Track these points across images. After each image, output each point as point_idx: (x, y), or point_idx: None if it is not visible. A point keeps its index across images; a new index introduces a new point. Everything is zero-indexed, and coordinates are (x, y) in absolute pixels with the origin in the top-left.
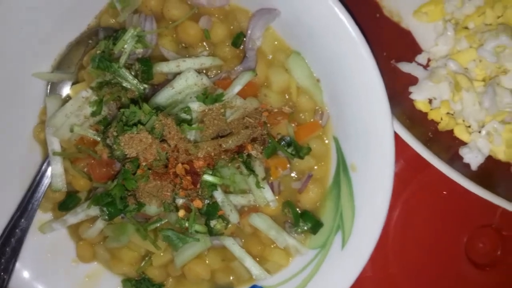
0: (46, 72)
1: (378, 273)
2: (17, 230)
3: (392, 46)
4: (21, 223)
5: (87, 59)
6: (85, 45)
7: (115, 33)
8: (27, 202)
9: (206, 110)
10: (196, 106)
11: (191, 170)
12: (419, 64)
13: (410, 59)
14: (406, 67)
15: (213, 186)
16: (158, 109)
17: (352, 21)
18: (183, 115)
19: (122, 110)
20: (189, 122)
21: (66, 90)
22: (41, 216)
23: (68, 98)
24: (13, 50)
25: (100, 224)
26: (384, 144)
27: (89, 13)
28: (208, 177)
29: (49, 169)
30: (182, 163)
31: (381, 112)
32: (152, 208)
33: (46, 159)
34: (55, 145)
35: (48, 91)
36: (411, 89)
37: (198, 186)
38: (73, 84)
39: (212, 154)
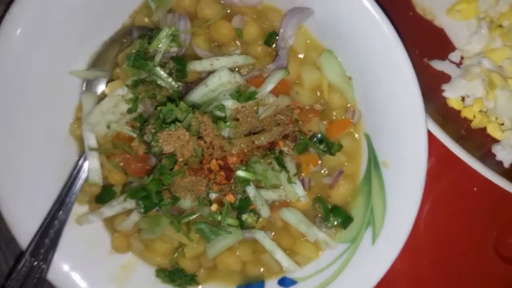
0: (82, 70)
1: (407, 266)
2: (55, 222)
3: (425, 44)
4: (59, 215)
5: (122, 57)
6: (120, 44)
7: (150, 32)
8: (65, 196)
9: (240, 108)
10: (230, 104)
11: (225, 166)
12: (452, 62)
13: (443, 57)
14: (439, 65)
15: (246, 182)
16: (194, 106)
17: (386, 19)
18: (218, 113)
19: (159, 108)
20: (224, 120)
21: (101, 88)
22: (78, 209)
23: (103, 95)
24: (51, 49)
25: (135, 217)
26: (418, 141)
27: (124, 13)
28: (241, 173)
29: (86, 164)
30: (216, 159)
31: (415, 110)
32: (186, 202)
33: (82, 154)
34: (91, 140)
35: (84, 88)
36: (444, 86)
37: (231, 181)
38: (108, 81)
39: (245, 150)
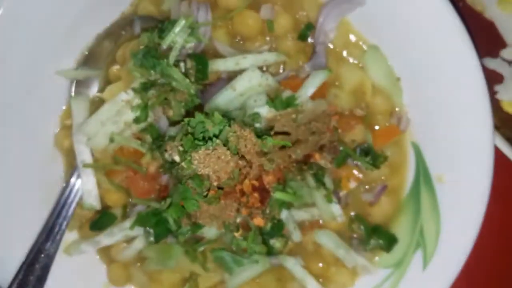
0: (70, 69)
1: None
2: (42, 256)
3: (475, 39)
4: (47, 247)
5: (121, 54)
6: (117, 37)
7: (160, 24)
8: (54, 223)
9: (276, 116)
10: (265, 112)
11: (260, 187)
12: (504, 59)
13: (494, 54)
14: (491, 63)
15: (284, 204)
16: (227, 116)
17: (454, 12)
18: (252, 123)
19: (186, 119)
20: (260, 132)
21: (93, 89)
22: (66, 236)
23: (97, 98)
24: (32, 43)
25: (139, 244)
26: (483, 154)
27: None
28: (280, 195)
29: (78, 183)
30: (250, 179)
31: (482, 119)
32: (211, 231)
33: (73, 171)
34: (86, 155)
35: (73, 90)
36: (497, 88)
37: (266, 204)
38: (102, 81)
39: (281, 166)
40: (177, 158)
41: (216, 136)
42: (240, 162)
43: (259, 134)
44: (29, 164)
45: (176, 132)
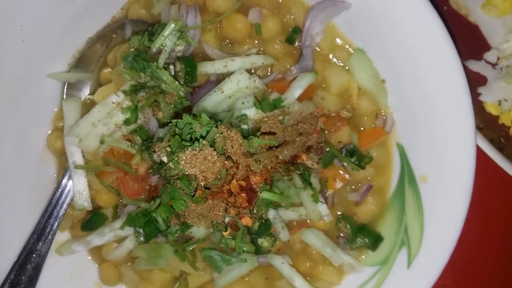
0: (62, 71)
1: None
2: (34, 256)
3: (459, 42)
4: (39, 247)
5: (112, 57)
6: (109, 41)
7: (150, 27)
8: (45, 223)
9: (263, 118)
10: (252, 114)
11: (247, 187)
12: (488, 62)
13: (478, 56)
14: (475, 66)
15: (271, 204)
16: (214, 118)
17: (436, 15)
18: (239, 125)
19: (174, 120)
20: (247, 133)
21: (85, 92)
22: (57, 236)
23: (88, 100)
24: (25, 46)
25: (129, 244)
26: (466, 155)
27: (114, 3)
28: (267, 195)
29: (70, 184)
30: (237, 180)
31: (464, 120)
32: (200, 230)
33: (65, 172)
34: (77, 157)
35: (65, 93)
36: (480, 90)
37: (253, 204)
38: (93, 84)
39: (269, 167)
40: (165, 159)
41: (203, 137)
42: (226, 162)
43: (246, 135)
44: (22, 166)
45: (165, 133)
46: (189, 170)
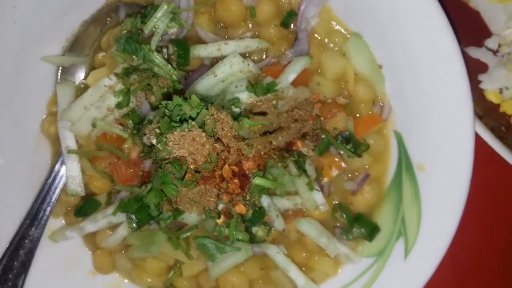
0: (56, 55)
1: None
2: (26, 241)
3: (459, 28)
4: (31, 232)
5: (106, 40)
6: (103, 24)
7: (143, 10)
8: (38, 209)
9: (256, 102)
10: (245, 97)
11: (240, 172)
12: (489, 49)
13: (479, 43)
14: (475, 53)
15: (263, 190)
16: (205, 100)
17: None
18: (231, 108)
19: (163, 102)
20: (238, 116)
21: (79, 76)
22: (52, 222)
23: (83, 85)
24: (18, 29)
25: (123, 231)
26: (464, 143)
27: None
28: (259, 181)
29: (63, 170)
30: (229, 165)
31: (463, 107)
32: (192, 216)
33: (59, 157)
34: (70, 141)
35: (59, 77)
36: (481, 77)
37: (246, 190)
38: (88, 69)
39: (262, 153)
40: (154, 141)
41: (193, 119)
42: (217, 145)
43: (236, 117)
44: (16, 151)
45: (155, 115)
46: (177, 152)
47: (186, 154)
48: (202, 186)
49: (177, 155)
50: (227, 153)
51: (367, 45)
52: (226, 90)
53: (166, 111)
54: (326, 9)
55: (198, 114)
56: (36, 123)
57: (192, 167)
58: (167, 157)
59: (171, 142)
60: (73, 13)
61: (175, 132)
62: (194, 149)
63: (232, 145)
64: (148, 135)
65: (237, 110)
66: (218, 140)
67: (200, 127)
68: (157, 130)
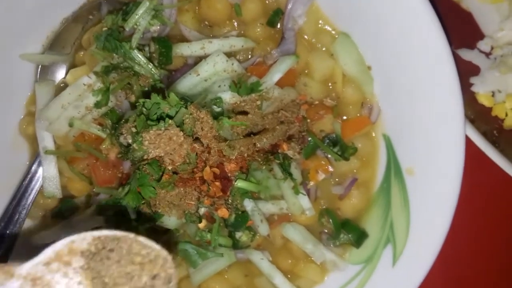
0: (35, 53)
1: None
2: (1, 245)
3: (451, 30)
4: (6, 235)
5: (87, 38)
6: (84, 21)
7: (124, 7)
8: (13, 211)
9: (239, 102)
10: (228, 97)
11: (221, 175)
12: (481, 51)
13: (471, 45)
14: (467, 55)
15: (246, 194)
16: (185, 99)
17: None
18: (213, 108)
19: (141, 100)
20: (219, 116)
21: (60, 75)
22: (29, 225)
23: (63, 84)
24: None
25: None
26: (454, 146)
27: None
28: (241, 184)
29: (40, 171)
30: (211, 167)
31: (453, 110)
32: (171, 220)
33: (36, 158)
34: (47, 142)
35: (38, 76)
36: (473, 80)
37: (228, 193)
38: (69, 68)
39: (245, 155)
40: (131, 141)
41: (171, 118)
42: (196, 145)
43: (217, 117)
44: None
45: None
46: (153, 151)
47: (163, 154)
48: (182, 189)
49: (153, 155)
50: (207, 154)
51: (355, 46)
52: (208, 90)
53: (144, 109)
54: (314, 8)
55: (177, 112)
56: (15, 123)
57: (169, 168)
58: (145, 157)
59: (147, 141)
60: (54, 9)
61: (150, 131)
62: (171, 149)
63: (213, 146)
64: (124, 135)
65: (219, 109)
66: (197, 140)
67: (178, 126)
68: (133, 129)
